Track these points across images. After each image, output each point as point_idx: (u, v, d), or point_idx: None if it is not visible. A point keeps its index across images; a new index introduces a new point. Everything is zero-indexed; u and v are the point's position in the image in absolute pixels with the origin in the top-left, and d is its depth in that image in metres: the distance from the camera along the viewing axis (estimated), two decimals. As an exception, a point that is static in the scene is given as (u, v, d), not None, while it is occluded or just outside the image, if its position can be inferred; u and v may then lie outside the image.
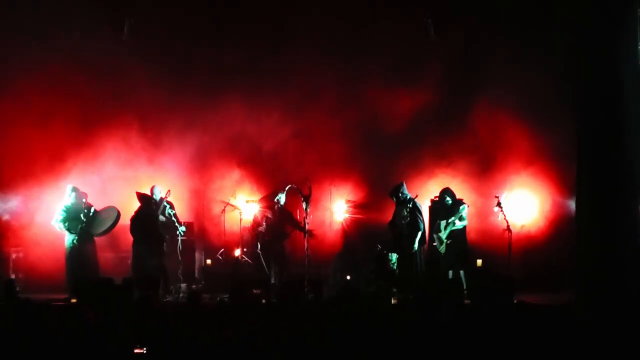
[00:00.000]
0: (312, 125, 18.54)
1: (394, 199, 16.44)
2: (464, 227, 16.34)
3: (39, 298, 13.12)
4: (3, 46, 17.13)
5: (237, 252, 16.84)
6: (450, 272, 16.01)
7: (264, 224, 17.00)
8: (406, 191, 16.35)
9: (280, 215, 17.08)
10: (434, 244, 16.42)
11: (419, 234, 16.07)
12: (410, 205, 16.02)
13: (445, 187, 16.72)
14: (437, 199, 17.06)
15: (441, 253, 16.23)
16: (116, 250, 17.49)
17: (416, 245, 16.06)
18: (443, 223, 16.23)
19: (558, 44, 16.52)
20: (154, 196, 16.61)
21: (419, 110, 18.21)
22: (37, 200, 17.34)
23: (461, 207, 16.17)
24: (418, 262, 16.13)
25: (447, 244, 16.14)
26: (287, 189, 16.87)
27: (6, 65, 17.29)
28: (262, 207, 17.17)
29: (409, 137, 18.38)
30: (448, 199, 16.40)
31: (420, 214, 16.26)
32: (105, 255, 17.18)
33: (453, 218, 16.08)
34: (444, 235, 16.16)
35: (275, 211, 17.04)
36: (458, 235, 16.24)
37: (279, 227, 17.10)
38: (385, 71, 17.92)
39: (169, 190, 16.56)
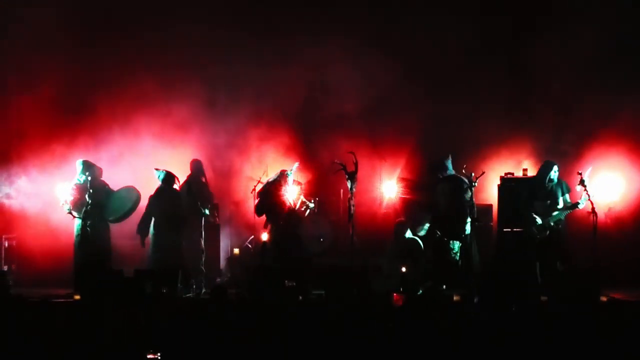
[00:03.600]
0: (356, 94, 18.37)
1: (439, 176, 16.07)
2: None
3: (35, 293, 13.13)
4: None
5: (265, 236, 16.44)
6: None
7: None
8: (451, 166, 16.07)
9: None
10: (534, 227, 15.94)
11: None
12: (476, 184, 15.62)
13: (549, 160, 16.05)
14: (508, 175, 16.72)
15: (537, 239, 15.78)
16: (134, 237, 17.30)
17: (469, 228, 15.64)
18: (549, 205, 15.74)
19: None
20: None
21: (480, 73, 18.08)
22: (38, 179, 17.28)
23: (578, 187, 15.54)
24: (474, 250, 15.72)
25: (552, 231, 15.64)
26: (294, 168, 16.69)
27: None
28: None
29: (469, 105, 18.15)
30: (554, 176, 15.85)
31: (472, 192, 15.79)
32: (121, 243, 16.96)
33: (563, 199, 15.53)
34: (552, 220, 15.63)
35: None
36: (563, 222, 15.68)
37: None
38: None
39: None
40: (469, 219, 15.54)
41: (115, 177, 16.71)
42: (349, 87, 18.37)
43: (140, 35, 18.06)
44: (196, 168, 16.94)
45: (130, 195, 16.25)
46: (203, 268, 15.84)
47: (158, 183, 16.13)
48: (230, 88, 18.31)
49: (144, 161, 17.35)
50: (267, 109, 18.42)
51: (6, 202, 17.26)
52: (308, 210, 16.55)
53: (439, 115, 18.27)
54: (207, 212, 15.98)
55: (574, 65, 17.40)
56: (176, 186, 16.11)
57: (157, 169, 16.16)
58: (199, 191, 16.49)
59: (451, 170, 15.97)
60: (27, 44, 17.62)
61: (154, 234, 15.89)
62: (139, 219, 16.03)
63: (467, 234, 15.56)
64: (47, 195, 16.84)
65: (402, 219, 16.57)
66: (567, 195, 15.45)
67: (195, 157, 17.17)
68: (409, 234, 16.07)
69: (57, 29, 17.61)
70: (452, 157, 16.65)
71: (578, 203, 15.22)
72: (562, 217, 15.51)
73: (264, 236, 16.04)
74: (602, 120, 17.29)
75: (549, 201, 15.56)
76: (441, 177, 16.05)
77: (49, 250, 16.61)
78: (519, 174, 16.98)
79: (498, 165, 17.30)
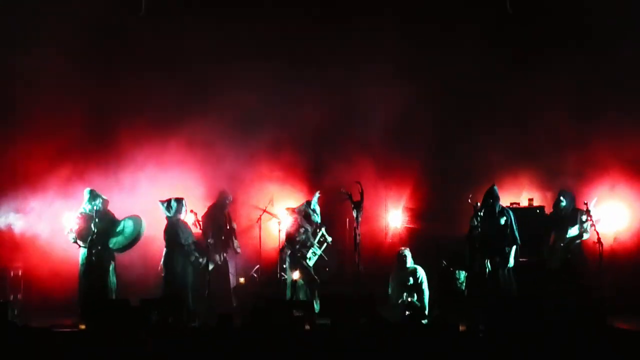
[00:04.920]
0: (362, 124, 18.49)
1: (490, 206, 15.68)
2: (581, 242, 15.79)
3: (40, 323, 13.04)
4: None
5: (296, 275, 16.23)
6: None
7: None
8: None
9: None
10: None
11: (514, 247, 15.21)
12: (482, 214, 15.41)
13: (565, 189, 16.28)
14: (514, 205, 16.69)
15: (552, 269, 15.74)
16: (141, 266, 17.17)
17: (512, 260, 15.22)
18: (561, 234, 15.67)
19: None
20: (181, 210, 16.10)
21: (484, 102, 18.36)
22: (45, 208, 17.11)
23: (584, 218, 15.43)
24: (512, 280, 15.40)
25: (563, 260, 15.62)
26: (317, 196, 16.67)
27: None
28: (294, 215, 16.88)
29: (476, 136, 18.21)
30: (564, 203, 15.88)
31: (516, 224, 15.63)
32: (126, 272, 16.86)
33: (577, 230, 15.54)
34: (560, 249, 15.60)
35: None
36: (576, 252, 15.74)
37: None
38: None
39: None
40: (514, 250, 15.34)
41: (122, 206, 16.62)
42: (355, 119, 18.43)
43: (155, 62, 18.22)
44: (219, 198, 16.96)
45: (136, 224, 16.15)
46: (208, 297, 15.76)
47: (163, 214, 16.10)
48: (240, 117, 18.32)
49: (152, 190, 17.27)
50: (275, 139, 18.44)
51: (12, 230, 17.18)
52: (325, 244, 16.51)
53: (443, 145, 18.32)
54: (210, 241, 15.92)
55: (580, 95, 17.46)
56: (183, 214, 16.05)
57: (162, 201, 16.12)
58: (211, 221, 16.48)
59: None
60: (39, 71, 17.41)
61: (171, 264, 15.85)
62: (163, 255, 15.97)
63: (510, 267, 15.14)
64: (53, 224, 16.74)
65: (403, 247, 16.41)
66: (577, 226, 15.41)
67: (222, 187, 17.24)
68: (410, 263, 15.94)
69: (71, 56, 17.60)
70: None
71: (578, 235, 15.24)
72: (570, 247, 15.49)
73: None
74: (608, 150, 17.25)
75: (560, 231, 15.57)
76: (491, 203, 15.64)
77: (55, 279, 16.46)
78: (524, 203, 16.98)
79: (503, 195, 17.26)
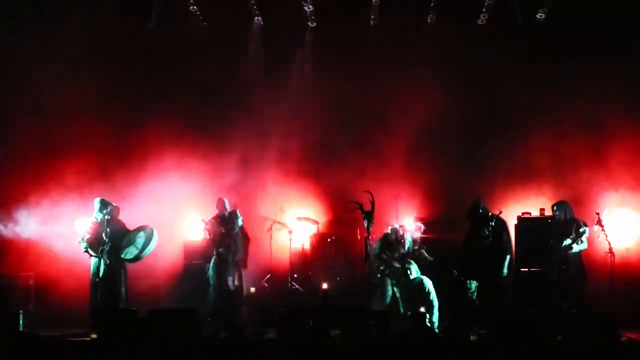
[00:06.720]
0: (371, 133, 18.59)
1: (472, 219, 15.98)
2: (580, 252, 15.65)
3: (51, 332, 13.08)
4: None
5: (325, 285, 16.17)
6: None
7: None
8: (486, 207, 15.93)
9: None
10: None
11: (508, 257, 15.40)
12: (493, 223, 15.48)
13: (560, 200, 16.21)
14: (525, 215, 16.70)
15: (552, 281, 15.75)
16: (149, 277, 17.27)
17: (506, 269, 15.42)
18: (557, 245, 15.73)
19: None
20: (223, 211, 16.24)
21: (495, 112, 18.48)
22: (57, 216, 17.11)
23: (582, 229, 15.37)
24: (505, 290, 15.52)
25: (560, 271, 15.66)
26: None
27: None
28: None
29: (484, 145, 18.33)
30: (557, 214, 15.92)
31: (509, 233, 15.72)
32: (136, 283, 16.83)
33: (570, 240, 15.56)
34: (556, 259, 15.63)
35: None
36: (574, 262, 15.63)
37: None
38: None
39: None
40: (507, 260, 15.42)
41: (137, 214, 16.68)
42: (367, 128, 18.49)
43: (166, 75, 18.46)
44: (218, 207, 16.97)
45: (147, 235, 16.14)
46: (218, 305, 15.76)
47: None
48: (252, 126, 18.49)
49: (169, 198, 17.51)
50: (288, 147, 18.55)
51: (24, 239, 17.19)
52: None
53: (454, 155, 18.34)
54: (221, 250, 15.92)
55: (593, 105, 17.45)
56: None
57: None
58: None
59: (487, 211, 15.75)
60: (52, 80, 17.53)
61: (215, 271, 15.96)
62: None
63: (505, 276, 15.39)
64: (65, 233, 16.71)
65: (407, 259, 16.32)
66: (582, 238, 15.39)
67: (220, 196, 16.95)
68: (416, 274, 15.86)
69: (90, 66, 17.79)
70: (468, 196, 16.70)
71: (568, 245, 15.31)
72: (567, 256, 15.49)
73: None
74: (620, 160, 17.25)
75: (560, 241, 15.59)
76: (473, 221, 15.87)
77: (66, 288, 16.45)
78: (536, 213, 16.97)
79: (515, 205, 17.26)
